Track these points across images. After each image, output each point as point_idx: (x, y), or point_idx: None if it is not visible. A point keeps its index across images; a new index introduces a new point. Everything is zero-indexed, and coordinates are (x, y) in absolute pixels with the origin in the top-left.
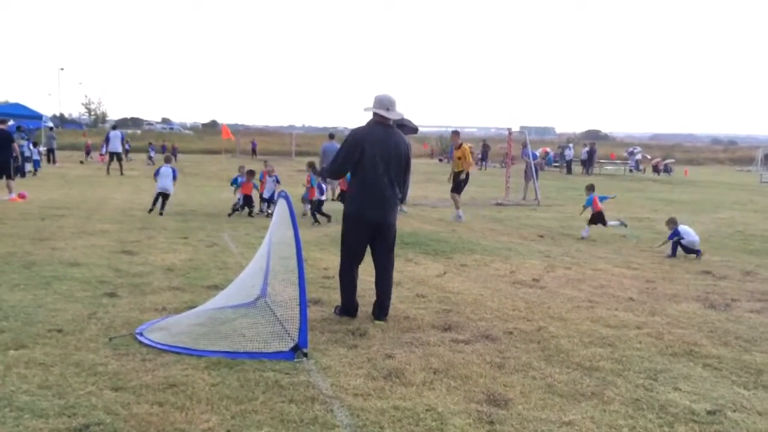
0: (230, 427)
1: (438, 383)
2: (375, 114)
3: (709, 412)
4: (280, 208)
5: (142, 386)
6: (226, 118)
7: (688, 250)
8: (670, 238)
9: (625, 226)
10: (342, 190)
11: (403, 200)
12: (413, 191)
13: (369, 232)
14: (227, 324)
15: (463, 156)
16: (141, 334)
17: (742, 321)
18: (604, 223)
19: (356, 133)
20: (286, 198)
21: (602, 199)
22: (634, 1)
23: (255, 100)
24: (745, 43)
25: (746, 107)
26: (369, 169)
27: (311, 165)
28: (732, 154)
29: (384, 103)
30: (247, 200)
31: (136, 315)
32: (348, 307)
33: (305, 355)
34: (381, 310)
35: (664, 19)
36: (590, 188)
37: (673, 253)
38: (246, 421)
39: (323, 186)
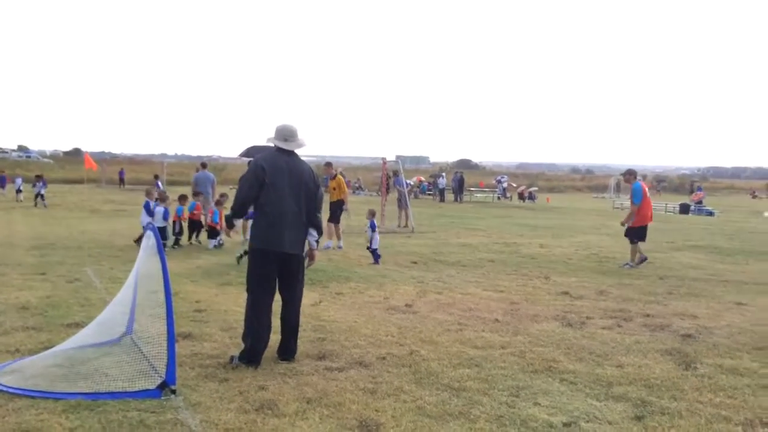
0: None
1: (311, 412)
2: (275, 146)
3: (565, 424)
4: (147, 241)
5: None
6: (90, 145)
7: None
8: (371, 227)
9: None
10: None
11: (318, 231)
12: None
13: (277, 265)
14: (88, 363)
15: (338, 186)
16: None
17: (595, 337)
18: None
19: (257, 161)
20: (153, 230)
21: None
22: (506, 38)
23: (124, 127)
24: (602, 81)
25: (602, 139)
26: (274, 198)
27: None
28: (589, 182)
29: (283, 133)
30: (195, 225)
31: None
32: (254, 353)
33: (173, 391)
34: (286, 349)
35: (529, 57)
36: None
37: (376, 261)
38: None
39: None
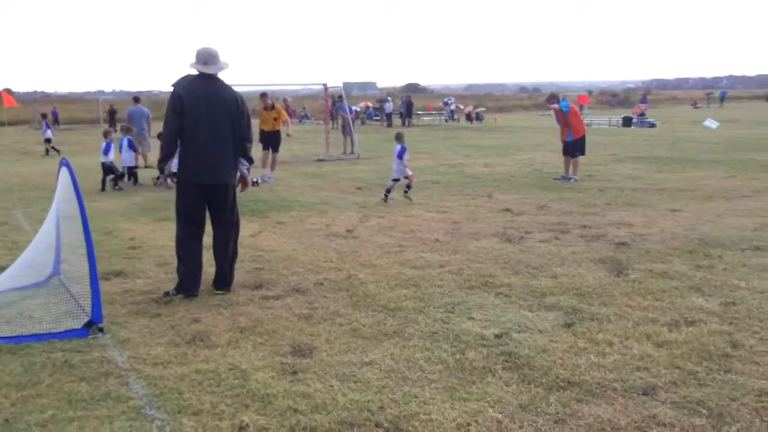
0: (9, 415)
1: (244, 341)
2: (197, 70)
3: (496, 336)
4: (63, 178)
5: None
6: (22, 85)
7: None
8: (402, 154)
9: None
10: None
11: (247, 159)
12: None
13: (204, 196)
14: (11, 307)
15: (278, 115)
16: None
17: (532, 251)
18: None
19: (174, 91)
20: (68, 166)
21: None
22: None
23: (57, 65)
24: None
25: (549, 57)
26: (194, 127)
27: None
28: (536, 100)
29: (203, 57)
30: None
31: None
32: (189, 284)
33: (101, 330)
34: (222, 279)
35: None
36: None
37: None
38: (28, 406)
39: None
